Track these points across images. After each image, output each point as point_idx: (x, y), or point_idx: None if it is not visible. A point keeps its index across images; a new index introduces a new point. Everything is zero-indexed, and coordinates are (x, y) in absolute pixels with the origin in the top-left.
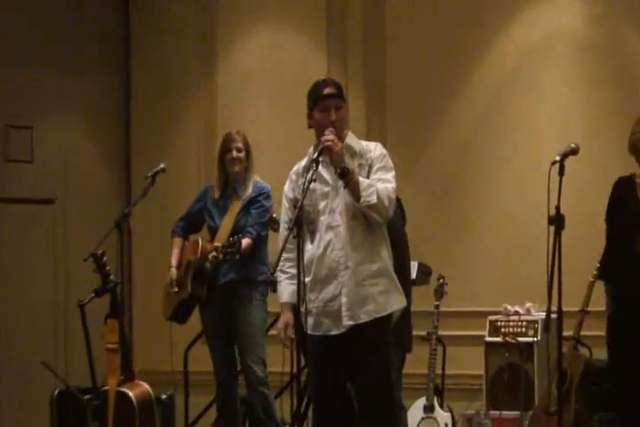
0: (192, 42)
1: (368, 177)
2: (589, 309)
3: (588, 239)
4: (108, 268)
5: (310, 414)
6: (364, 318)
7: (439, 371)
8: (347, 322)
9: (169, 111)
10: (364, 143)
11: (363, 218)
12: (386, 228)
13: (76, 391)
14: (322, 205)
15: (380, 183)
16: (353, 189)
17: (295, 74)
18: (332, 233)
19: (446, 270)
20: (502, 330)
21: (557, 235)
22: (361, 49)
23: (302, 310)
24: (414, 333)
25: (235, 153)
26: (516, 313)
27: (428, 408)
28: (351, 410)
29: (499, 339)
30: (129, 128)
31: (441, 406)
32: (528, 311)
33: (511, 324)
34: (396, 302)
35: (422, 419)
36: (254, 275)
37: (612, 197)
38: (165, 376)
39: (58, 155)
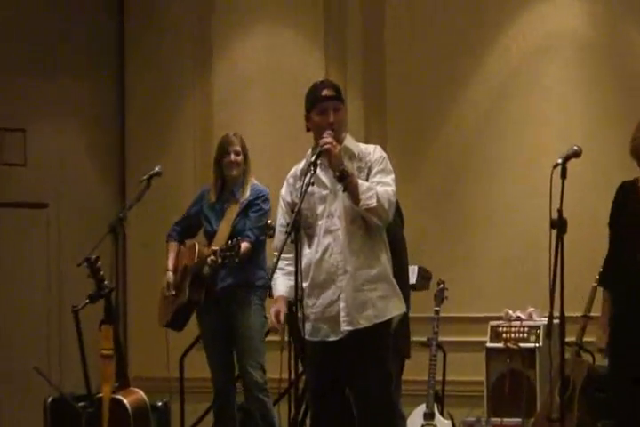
0: (188, 43)
1: (367, 180)
2: (592, 314)
3: (590, 243)
4: (102, 273)
5: (308, 421)
6: (363, 324)
7: (439, 377)
8: (345, 328)
9: (164, 114)
10: (363, 146)
11: (362, 222)
12: (385, 232)
13: (70, 399)
14: (320, 208)
15: (380, 186)
16: (352, 192)
17: (293, 76)
18: (330, 237)
19: (447, 275)
20: (504, 336)
21: (560, 238)
22: (360, 50)
23: (300, 315)
24: (414, 338)
25: (233, 156)
26: (518, 318)
27: (428, 415)
28: (350, 416)
29: (500, 345)
30: (124, 131)
31: (441, 414)
32: (530, 317)
33: (513, 329)
34: (395, 308)
35: (422, 426)
36: (252, 279)
37: (616, 202)
38: (161, 383)
39: (51, 158)
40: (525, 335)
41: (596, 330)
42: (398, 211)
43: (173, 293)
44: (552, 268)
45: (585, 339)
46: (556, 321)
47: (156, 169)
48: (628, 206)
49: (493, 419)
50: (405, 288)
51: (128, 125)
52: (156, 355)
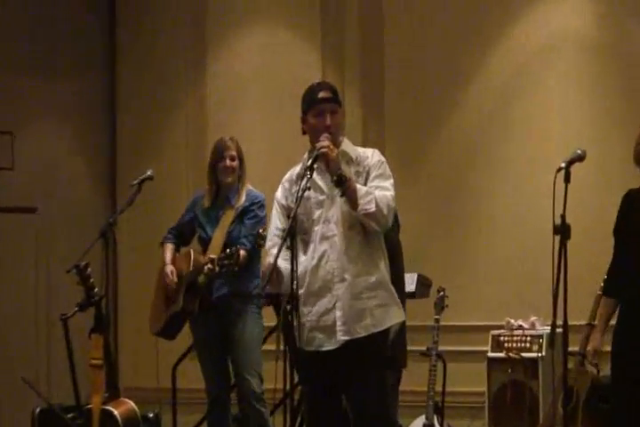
0: (181, 44)
1: (365, 185)
2: (597, 323)
3: (595, 249)
4: (92, 280)
5: None
6: (360, 333)
7: (439, 388)
8: (341, 337)
9: (157, 116)
10: (361, 150)
11: (360, 228)
12: (383, 238)
13: (59, 410)
14: (316, 214)
15: (379, 191)
16: (350, 197)
17: (289, 78)
18: (326, 244)
19: (447, 283)
20: (505, 345)
21: (563, 245)
22: (358, 51)
23: (295, 324)
24: (413, 348)
25: (228, 162)
26: (520, 327)
27: None
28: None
29: (502, 354)
30: (115, 134)
31: (441, 425)
32: (532, 326)
33: (515, 339)
34: (394, 316)
35: None
36: (249, 288)
37: (621, 210)
38: (152, 394)
39: (40, 161)
40: (528, 345)
41: (594, 333)
42: (394, 215)
43: (176, 280)
44: (555, 275)
45: (589, 348)
46: (559, 330)
47: (148, 173)
48: (633, 215)
49: None
50: (401, 295)
51: (119, 128)
52: (147, 365)
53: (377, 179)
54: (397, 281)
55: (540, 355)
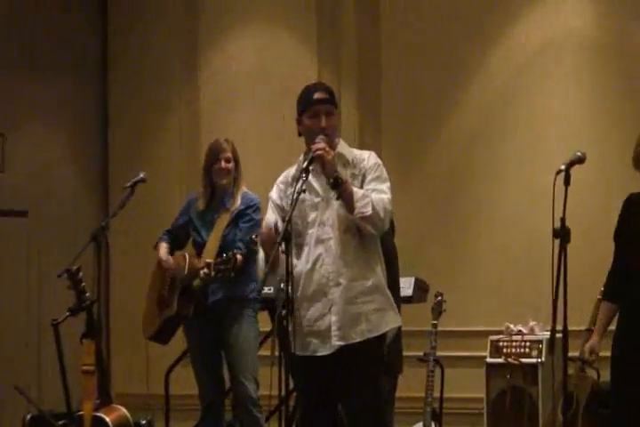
0: (174, 46)
1: (361, 187)
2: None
3: (595, 253)
4: (83, 284)
5: None
6: (355, 338)
7: (437, 394)
8: (336, 342)
9: (149, 118)
10: (357, 152)
11: (355, 231)
12: (379, 241)
13: (50, 416)
14: (311, 216)
15: (375, 194)
16: (346, 200)
17: (284, 79)
18: (322, 247)
19: (445, 287)
20: (504, 351)
21: (563, 248)
22: (354, 53)
23: (290, 329)
24: (410, 353)
25: (223, 164)
26: (519, 333)
27: None
28: None
29: (500, 360)
30: (107, 135)
31: None
32: (532, 331)
33: (514, 344)
34: (390, 321)
35: None
36: (245, 293)
37: (622, 214)
38: (145, 400)
39: (31, 164)
40: (527, 350)
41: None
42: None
43: (173, 266)
44: (555, 279)
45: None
46: (558, 335)
47: (141, 175)
48: (633, 219)
49: None
50: (397, 300)
51: (111, 130)
52: (139, 371)
53: (373, 181)
54: (393, 285)
55: (539, 360)
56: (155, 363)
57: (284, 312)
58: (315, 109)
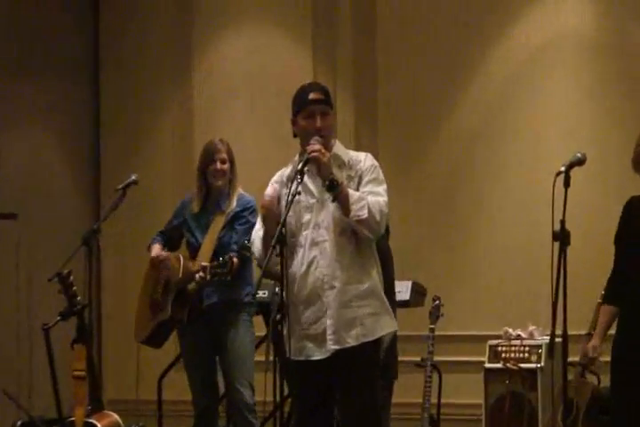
0: (166, 46)
1: (357, 190)
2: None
3: (595, 257)
4: (74, 288)
5: None
6: (350, 343)
7: (434, 400)
8: (332, 346)
9: (141, 119)
10: (353, 153)
11: (351, 234)
12: (375, 244)
13: (40, 423)
14: (306, 218)
15: (372, 197)
16: (342, 202)
17: (278, 80)
18: (316, 249)
19: (442, 291)
20: (503, 355)
21: (562, 252)
22: (350, 52)
23: (285, 333)
24: (408, 359)
25: (219, 165)
26: (518, 337)
27: None
28: None
29: (499, 365)
30: (98, 138)
31: None
32: (531, 335)
33: (513, 349)
34: (385, 326)
35: None
36: (241, 296)
37: (623, 218)
38: (137, 406)
39: (21, 166)
40: (526, 355)
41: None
42: None
43: (167, 256)
44: (554, 283)
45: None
46: (558, 340)
47: (132, 177)
48: (634, 222)
49: None
50: (392, 304)
51: (103, 132)
52: (131, 376)
53: (370, 184)
54: (387, 289)
55: (538, 366)
56: (147, 368)
57: (278, 317)
58: (310, 110)
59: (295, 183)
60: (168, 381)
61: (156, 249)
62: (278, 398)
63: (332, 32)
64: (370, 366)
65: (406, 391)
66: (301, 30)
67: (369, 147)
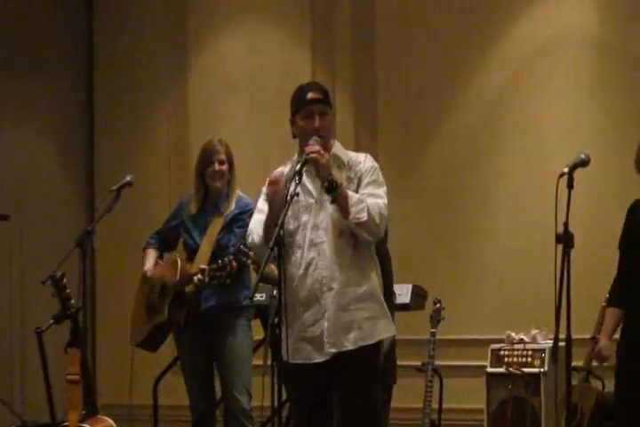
0: (162, 45)
1: (357, 191)
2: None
3: (596, 259)
4: (68, 291)
5: None
6: (347, 346)
7: (435, 405)
8: (329, 349)
9: (136, 120)
10: (353, 154)
11: (350, 235)
12: (374, 247)
13: None
14: (304, 218)
15: (371, 199)
16: (341, 204)
17: (276, 79)
18: (315, 251)
19: (444, 294)
20: (505, 360)
21: (566, 254)
22: (349, 52)
23: (283, 336)
24: (408, 363)
25: (217, 166)
26: (521, 341)
27: None
28: None
29: (502, 370)
30: (92, 138)
31: None
32: (534, 339)
33: (515, 353)
34: (383, 330)
35: None
36: (238, 300)
37: (627, 221)
38: (131, 411)
39: (13, 167)
40: (529, 359)
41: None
42: None
43: (156, 276)
44: (558, 286)
45: (594, 363)
46: (562, 344)
47: (127, 179)
48: (638, 225)
49: None
50: (391, 307)
51: (97, 133)
52: (126, 380)
53: (370, 186)
54: (386, 292)
55: (542, 370)
56: (142, 373)
57: (276, 320)
58: (308, 110)
59: (293, 184)
60: (164, 385)
61: (149, 262)
62: (276, 402)
63: (331, 32)
64: (369, 368)
65: (407, 396)
66: (300, 30)
67: (368, 148)
